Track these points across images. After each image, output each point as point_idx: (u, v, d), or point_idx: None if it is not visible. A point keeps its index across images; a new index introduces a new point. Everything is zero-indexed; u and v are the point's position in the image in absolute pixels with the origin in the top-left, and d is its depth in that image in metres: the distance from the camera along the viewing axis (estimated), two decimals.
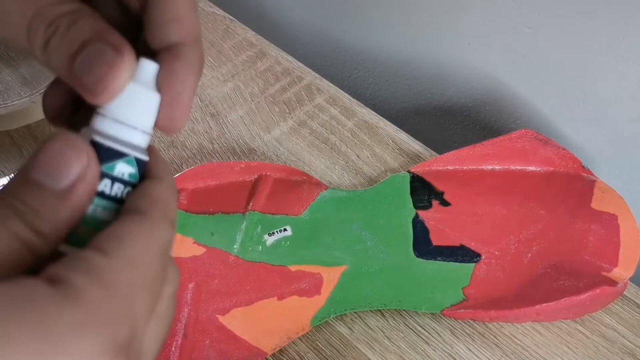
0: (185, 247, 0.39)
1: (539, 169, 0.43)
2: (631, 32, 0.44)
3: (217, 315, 0.37)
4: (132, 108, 0.20)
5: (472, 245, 0.40)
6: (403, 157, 0.47)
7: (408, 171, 0.43)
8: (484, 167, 0.43)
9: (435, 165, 0.43)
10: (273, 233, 0.40)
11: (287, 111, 0.50)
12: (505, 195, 0.42)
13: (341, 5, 0.64)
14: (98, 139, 0.20)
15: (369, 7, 0.62)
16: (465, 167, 0.43)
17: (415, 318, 0.38)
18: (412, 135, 0.49)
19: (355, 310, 0.38)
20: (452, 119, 0.63)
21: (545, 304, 0.36)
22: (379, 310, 0.39)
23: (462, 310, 0.37)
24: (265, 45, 0.56)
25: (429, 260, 0.40)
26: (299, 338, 0.37)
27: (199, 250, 0.39)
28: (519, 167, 0.43)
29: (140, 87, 0.20)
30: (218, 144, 0.47)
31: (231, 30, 0.57)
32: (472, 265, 0.40)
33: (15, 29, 0.21)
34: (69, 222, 0.19)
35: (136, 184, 0.21)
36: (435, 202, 0.42)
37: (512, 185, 0.43)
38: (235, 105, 0.50)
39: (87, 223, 0.20)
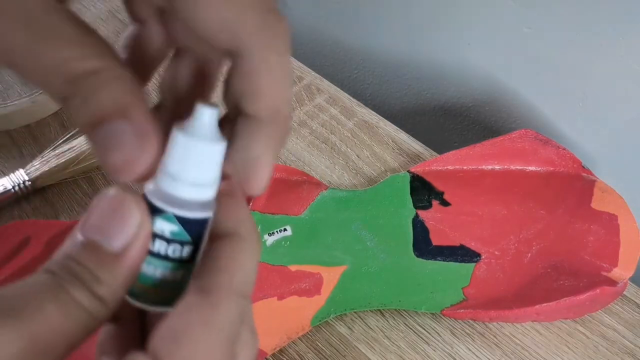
0: None
1: (539, 169, 0.43)
2: (631, 32, 0.44)
3: None
4: (179, 160, 0.19)
5: (472, 245, 0.40)
6: (403, 157, 0.47)
7: (408, 171, 0.43)
8: (484, 167, 0.43)
9: (435, 165, 0.43)
10: (273, 233, 0.40)
11: None
12: (505, 195, 0.42)
13: (341, 5, 0.64)
14: (147, 193, 0.19)
15: (369, 7, 0.62)
16: (465, 167, 0.43)
17: (415, 318, 0.38)
18: (412, 135, 0.49)
19: (355, 310, 0.38)
20: (452, 119, 0.63)
21: (545, 304, 0.37)
22: (379, 310, 0.39)
23: (462, 310, 0.37)
24: None
25: (429, 260, 0.40)
26: (299, 338, 0.37)
27: None
28: (519, 167, 0.43)
29: (190, 138, 0.19)
30: None
31: None
32: (472, 265, 0.40)
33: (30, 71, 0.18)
34: (126, 285, 0.18)
35: (192, 242, 0.19)
36: (435, 202, 0.42)
37: (512, 185, 0.42)
38: None
39: (143, 281, 0.19)
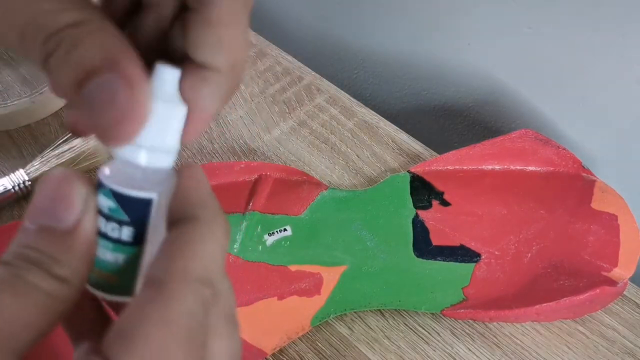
0: None
1: (538, 169, 0.43)
2: (631, 32, 0.44)
3: None
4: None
5: (472, 245, 0.40)
6: (403, 157, 0.47)
7: (408, 171, 0.43)
8: (484, 167, 0.43)
9: (435, 165, 0.43)
10: (273, 233, 0.40)
11: (287, 111, 0.50)
12: (505, 195, 0.42)
13: (341, 5, 0.64)
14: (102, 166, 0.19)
15: (369, 7, 0.62)
16: (465, 167, 0.43)
17: (415, 318, 0.38)
18: (412, 135, 0.49)
19: (355, 310, 0.38)
20: (452, 119, 0.63)
21: (545, 304, 0.37)
22: (379, 310, 0.39)
23: (462, 310, 0.37)
24: (265, 45, 0.56)
25: (429, 260, 0.40)
26: (299, 338, 0.37)
27: None
28: (519, 167, 0.43)
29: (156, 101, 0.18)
30: (218, 144, 0.47)
31: None
32: (472, 265, 0.40)
33: (2, 34, 0.17)
34: (87, 261, 0.18)
35: (131, 222, 0.18)
36: (435, 202, 0.42)
37: (512, 185, 0.42)
38: (235, 105, 0.50)
39: (97, 265, 0.18)
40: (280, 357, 0.37)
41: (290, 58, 0.54)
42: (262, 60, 0.54)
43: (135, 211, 0.18)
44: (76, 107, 0.17)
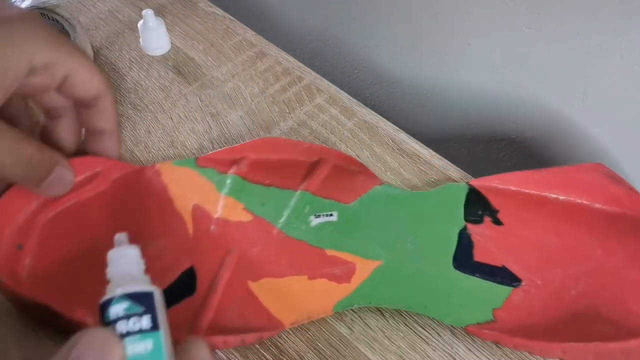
0: (236, 211, 0.41)
1: (604, 207, 0.41)
2: (631, 32, 0.44)
3: (248, 281, 0.38)
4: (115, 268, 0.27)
5: (515, 269, 0.39)
6: (403, 157, 0.47)
7: (467, 183, 0.43)
8: (547, 194, 0.42)
9: (497, 182, 0.42)
10: (319, 216, 0.41)
11: (287, 111, 0.50)
12: (563, 226, 0.40)
13: (341, 5, 0.64)
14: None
15: (369, 7, 0.62)
16: (527, 191, 0.42)
17: (415, 318, 0.38)
18: (412, 135, 0.49)
19: (379, 306, 0.38)
20: (452, 119, 0.63)
21: (574, 343, 0.35)
22: (379, 310, 0.39)
23: (488, 331, 0.36)
24: (265, 45, 0.56)
25: (466, 275, 0.39)
26: (298, 338, 0.37)
27: (247, 217, 0.40)
28: (584, 202, 0.41)
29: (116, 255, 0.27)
30: (218, 144, 0.47)
31: (231, 30, 0.57)
32: (509, 288, 0.38)
33: None
34: None
35: (146, 312, 0.24)
36: (487, 219, 0.41)
37: (573, 218, 0.41)
38: (235, 105, 0.50)
39: None
40: (281, 357, 0.37)
41: (290, 58, 0.54)
42: (262, 60, 0.54)
43: (146, 302, 0.24)
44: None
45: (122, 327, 0.23)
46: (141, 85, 0.52)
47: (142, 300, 0.24)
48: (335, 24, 0.67)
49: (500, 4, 0.50)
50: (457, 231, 0.40)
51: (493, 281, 0.39)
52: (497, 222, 0.41)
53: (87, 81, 0.36)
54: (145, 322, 0.24)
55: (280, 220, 0.40)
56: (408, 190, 0.43)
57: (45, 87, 0.35)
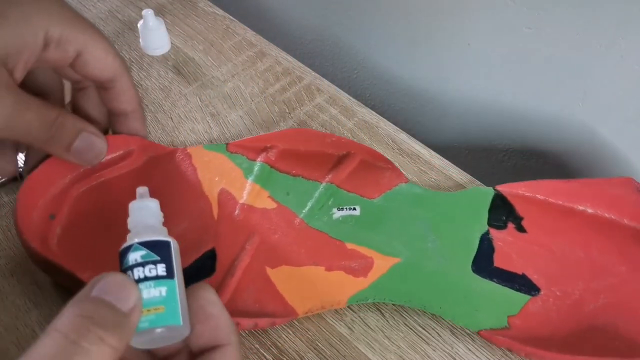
0: (261, 198, 0.42)
1: (632, 224, 0.40)
2: (631, 32, 0.44)
3: (266, 267, 0.38)
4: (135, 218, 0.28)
5: (535, 278, 0.39)
6: (403, 157, 0.47)
7: (493, 188, 0.42)
8: (575, 206, 0.41)
9: (524, 189, 0.42)
10: (342, 209, 0.41)
11: (287, 111, 0.50)
12: (588, 239, 0.40)
13: (341, 5, 0.64)
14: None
15: (369, 8, 0.62)
16: (554, 201, 0.42)
17: (415, 318, 0.38)
18: (412, 135, 0.49)
19: (393, 303, 0.38)
20: (452, 119, 0.63)
21: (589, 357, 0.34)
22: (379, 310, 0.39)
23: (501, 337, 0.36)
24: (265, 45, 0.56)
25: (485, 279, 0.39)
26: (298, 338, 0.37)
27: (271, 205, 0.41)
28: (612, 217, 0.41)
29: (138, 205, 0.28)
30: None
31: (231, 30, 0.57)
32: (527, 297, 0.38)
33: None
34: (130, 337, 0.23)
35: (162, 260, 0.25)
36: (510, 225, 0.41)
37: (599, 232, 0.40)
38: (235, 105, 0.50)
39: (149, 305, 0.24)
40: (281, 357, 0.37)
41: (290, 58, 0.54)
42: (262, 60, 0.54)
43: (162, 251, 0.26)
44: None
45: (139, 272, 0.25)
46: (141, 85, 0.52)
47: (159, 249, 0.25)
48: (334, 24, 0.67)
49: (500, 4, 0.50)
50: (479, 235, 0.40)
51: (511, 288, 0.38)
52: (521, 229, 0.41)
53: (100, 59, 0.35)
54: (161, 269, 0.25)
55: (304, 210, 0.41)
56: (432, 190, 0.43)
57: (61, 62, 0.35)
